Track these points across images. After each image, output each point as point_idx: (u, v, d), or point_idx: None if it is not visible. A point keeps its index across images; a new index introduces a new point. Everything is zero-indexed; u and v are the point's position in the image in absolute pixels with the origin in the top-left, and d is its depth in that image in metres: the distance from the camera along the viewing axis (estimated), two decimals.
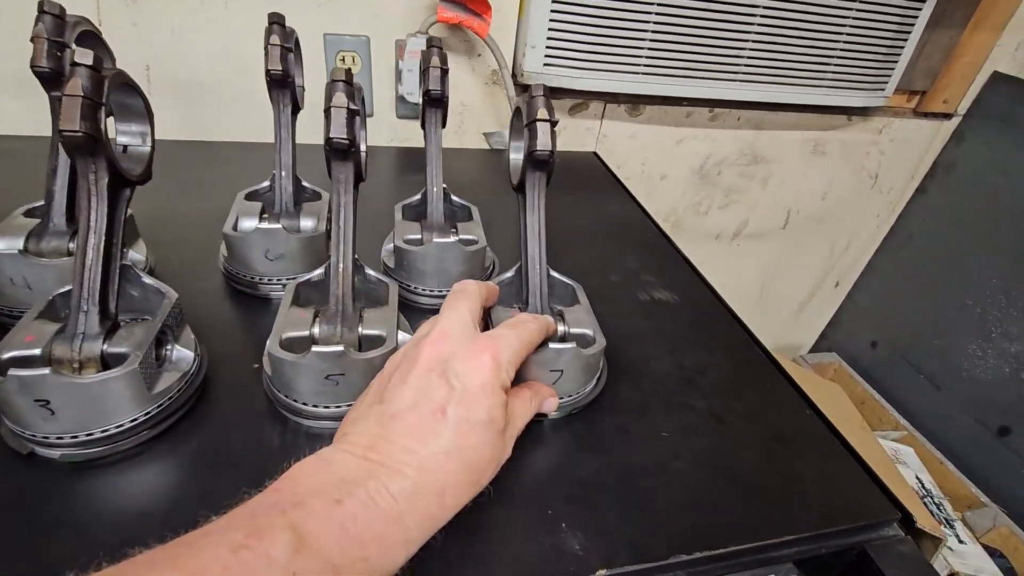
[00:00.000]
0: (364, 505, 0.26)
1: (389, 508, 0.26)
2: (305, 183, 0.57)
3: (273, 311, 0.50)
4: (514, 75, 0.94)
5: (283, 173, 0.54)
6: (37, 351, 0.34)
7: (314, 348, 0.35)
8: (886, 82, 1.15)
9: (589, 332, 0.42)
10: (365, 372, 0.38)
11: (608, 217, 0.79)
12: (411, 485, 0.27)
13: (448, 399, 0.30)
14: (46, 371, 0.31)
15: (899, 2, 1.02)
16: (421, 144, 0.96)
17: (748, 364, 0.53)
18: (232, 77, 0.84)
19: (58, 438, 0.33)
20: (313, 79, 0.86)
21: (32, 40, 0.43)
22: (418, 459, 0.28)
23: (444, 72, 0.54)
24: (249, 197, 0.55)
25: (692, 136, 1.19)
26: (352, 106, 0.40)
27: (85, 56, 0.35)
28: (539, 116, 0.42)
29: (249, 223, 0.51)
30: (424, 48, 0.80)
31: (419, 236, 0.53)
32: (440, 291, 0.53)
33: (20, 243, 0.43)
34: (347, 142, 0.39)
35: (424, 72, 0.53)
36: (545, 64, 0.91)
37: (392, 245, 0.56)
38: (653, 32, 0.91)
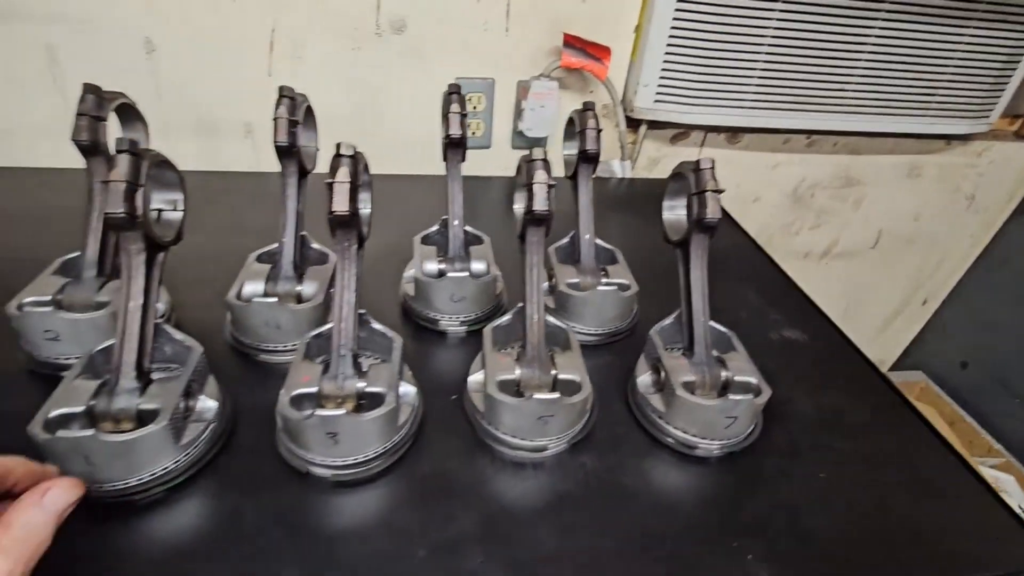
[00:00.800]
0: None
1: None
2: (467, 228, 0.64)
3: (450, 344, 0.58)
4: (624, 109, 0.99)
5: (455, 222, 0.61)
6: (315, 389, 0.42)
7: (536, 395, 0.42)
8: (991, 109, 1.14)
9: (753, 380, 0.48)
10: (569, 414, 0.44)
11: (720, 249, 0.82)
12: None
13: None
14: (342, 412, 0.39)
15: (1009, 31, 1.02)
16: None
17: (885, 406, 0.56)
18: (369, 118, 0.92)
19: (332, 462, 0.41)
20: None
21: (275, 120, 0.52)
22: None
23: (599, 132, 0.60)
24: (425, 241, 0.62)
25: (788, 161, 1.21)
26: (551, 182, 0.46)
27: (346, 154, 0.43)
28: (709, 187, 0.47)
29: (431, 266, 0.59)
30: (546, 89, 0.86)
31: (577, 280, 0.59)
32: (594, 331, 0.59)
33: (263, 288, 0.52)
34: (547, 212, 0.46)
35: (581, 132, 0.59)
36: (656, 101, 0.96)
37: (546, 285, 0.62)
38: (763, 68, 0.94)
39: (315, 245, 0.58)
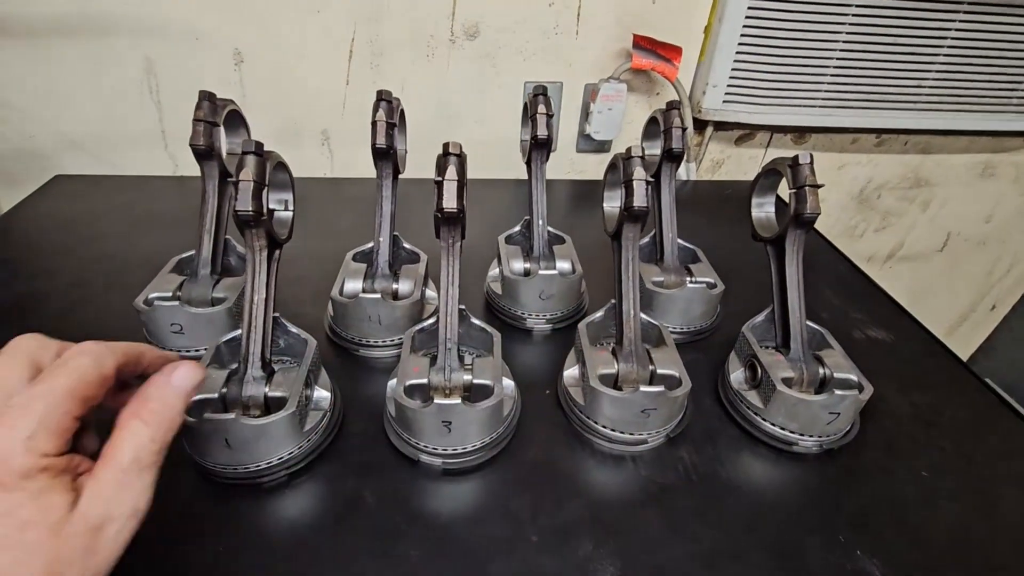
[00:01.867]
0: None
1: None
2: (549, 228, 0.65)
3: (535, 341, 0.59)
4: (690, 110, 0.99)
5: (540, 221, 0.62)
6: (424, 380, 0.44)
7: (642, 388, 0.43)
8: None
9: (853, 377, 0.47)
10: (670, 408, 0.45)
11: None
12: None
13: None
14: (457, 400, 0.40)
15: None
16: (593, 177, 1.04)
17: (983, 406, 0.55)
18: (441, 124, 0.95)
19: (444, 450, 0.43)
20: (514, 121, 0.96)
21: (373, 123, 0.54)
22: None
23: (684, 131, 0.60)
24: (508, 241, 0.64)
25: (855, 161, 1.19)
26: (649, 178, 0.47)
27: (453, 152, 0.44)
28: (809, 182, 0.47)
29: (518, 265, 0.60)
30: (615, 91, 0.87)
31: (662, 278, 0.60)
32: (678, 329, 0.59)
33: (361, 285, 0.54)
34: (646, 208, 0.46)
35: (666, 131, 0.60)
36: (724, 101, 0.95)
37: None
38: (837, 65, 0.93)
39: (406, 245, 0.60)
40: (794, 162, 0.48)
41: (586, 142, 1.01)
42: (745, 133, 1.08)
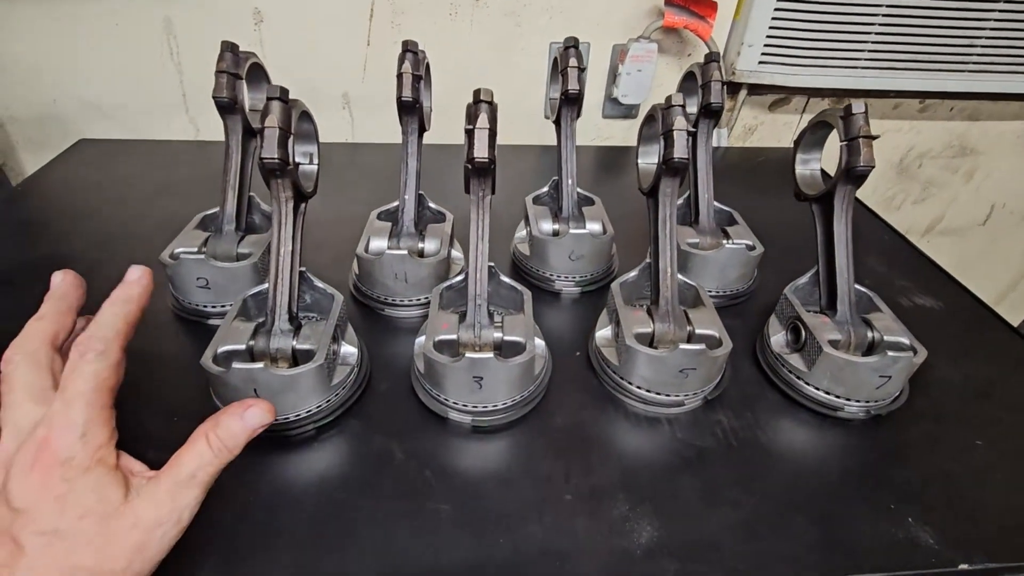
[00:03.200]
0: None
1: None
2: (578, 189, 0.63)
3: (564, 304, 0.57)
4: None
5: (569, 181, 0.60)
6: (454, 336, 0.42)
7: (682, 346, 0.41)
8: None
9: (905, 340, 0.44)
10: (709, 368, 0.43)
11: None
12: None
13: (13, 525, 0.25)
14: (490, 355, 0.39)
15: None
16: (620, 143, 1.01)
17: None
18: (462, 87, 0.92)
19: (474, 407, 0.41)
20: (538, 84, 0.93)
21: (399, 76, 0.52)
22: None
23: (723, 85, 0.57)
24: (536, 201, 0.62)
25: (896, 128, 1.13)
26: (691, 128, 0.44)
27: (484, 99, 0.42)
28: (863, 132, 0.44)
29: (547, 226, 0.58)
30: (645, 51, 0.84)
31: (697, 240, 0.57)
32: (714, 292, 0.57)
33: (386, 244, 0.53)
34: (686, 161, 0.44)
35: (704, 86, 0.57)
36: (760, 62, 0.91)
37: None
38: (882, 23, 0.88)
39: (432, 204, 0.58)
40: (847, 112, 0.45)
41: (613, 107, 0.97)
42: (780, 98, 1.04)
